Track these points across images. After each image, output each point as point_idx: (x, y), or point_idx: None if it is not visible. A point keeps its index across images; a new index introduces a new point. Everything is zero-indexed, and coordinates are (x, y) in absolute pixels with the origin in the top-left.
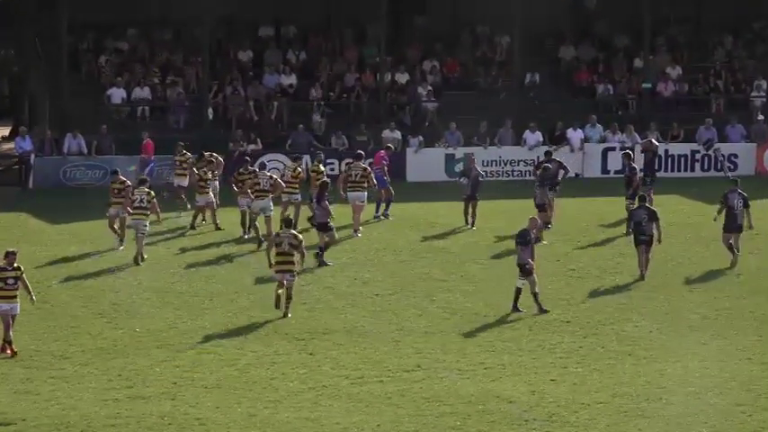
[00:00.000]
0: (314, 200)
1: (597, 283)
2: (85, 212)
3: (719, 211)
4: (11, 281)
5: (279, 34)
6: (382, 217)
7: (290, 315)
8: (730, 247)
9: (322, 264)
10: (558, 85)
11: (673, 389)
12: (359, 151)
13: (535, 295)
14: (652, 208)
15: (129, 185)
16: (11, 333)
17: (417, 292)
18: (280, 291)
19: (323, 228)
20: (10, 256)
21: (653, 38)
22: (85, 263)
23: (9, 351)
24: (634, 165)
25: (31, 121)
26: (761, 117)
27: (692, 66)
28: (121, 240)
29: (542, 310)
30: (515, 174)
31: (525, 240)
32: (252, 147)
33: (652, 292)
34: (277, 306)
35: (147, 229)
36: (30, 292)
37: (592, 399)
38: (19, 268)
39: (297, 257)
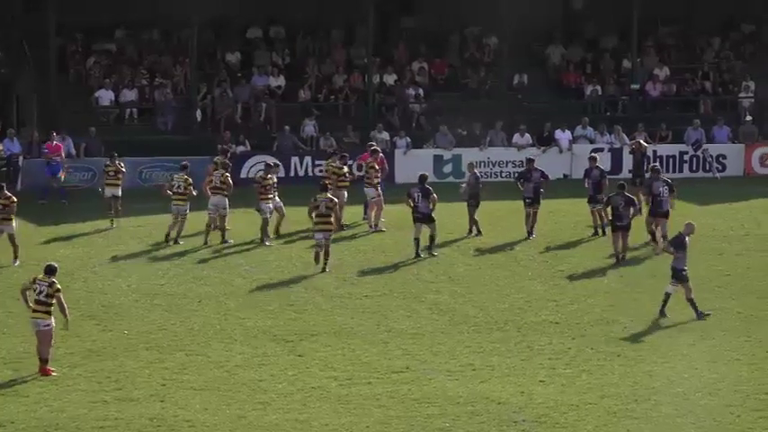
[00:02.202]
0: (418, 193)
1: (585, 284)
2: (74, 214)
3: (647, 202)
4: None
5: (267, 36)
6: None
7: (327, 270)
8: (653, 234)
9: (431, 255)
10: (547, 87)
11: (661, 390)
12: (374, 147)
13: (691, 301)
14: (628, 195)
15: (14, 202)
16: (49, 350)
17: (406, 293)
18: (319, 249)
19: (429, 219)
20: (50, 270)
21: (641, 39)
22: (74, 265)
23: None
24: (602, 167)
25: (18, 122)
26: (749, 118)
27: (681, 67)
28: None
29: (700, 315)
30: (504, 175)
31: (683, 245)
32: (241, 148)
33: (640, 294)
34: (317, 262)
35: (187, 212)
36: (63, 312)
37: (581, 400)
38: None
39: (333, 218)
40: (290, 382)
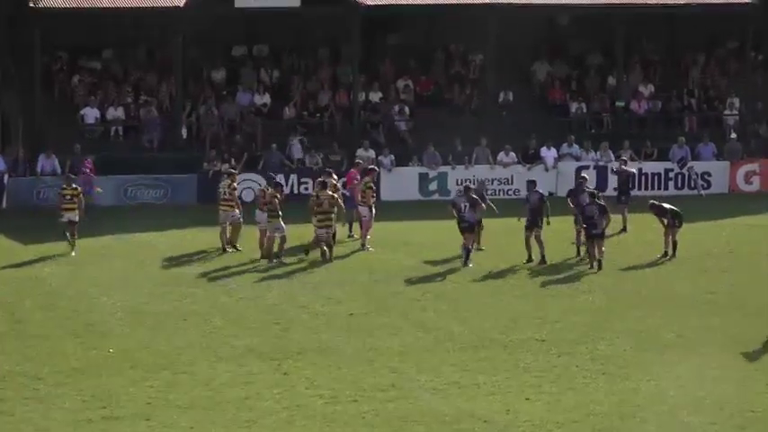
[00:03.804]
0: (465, 204)
1: (570, 302)
2: (59, 232)
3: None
4: None
5: (252, 54)
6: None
7: (332, 261)
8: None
9: (467, 264)
10: (532, 104)
11: (647, 407)
12: (371, 166)
13: None
14: (601, 203)
15: None
16: None
17: (391, 311)
18: (324, 245)
19: (471, 229)
20: None
21: (626, 56)
22: (59, 283)
23: None
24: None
25: (3, 140)
26: (734, 135)
27: (666, 83)
28: None
29: None
30: (488, 193)
31: None
32: (226, 166)
33: (625, 311)
34: (324, 258)
35: (236, 217)
36: None
37: (566, 417)
38: None
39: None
40: (275, 400)
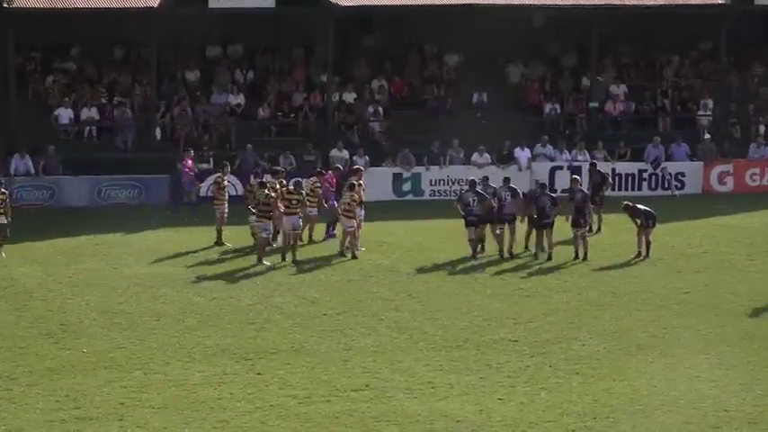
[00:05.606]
0: (473, 198)
1: (545, 302)
2: (31, 232)
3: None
4: None
5: (226, 54)
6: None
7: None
8: (497, 238)
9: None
10: (506, 104)
11: (620, 407)
12: (356, 166)
13: None
14: (553, 195)
15: None
16: None
17: (365, 311)
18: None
19: (477, 223)
20: None
21: (601, 57)
22: (32, 283)
23: None
24: (585, 190)
25: None
26: (707, 136)
27: (640, 84)
28: None
29: None
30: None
31: None
32: (204, 166)
33: (599, 311)
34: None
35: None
36: None
37: (539, 418)
38: None
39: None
40: (249, 400)
